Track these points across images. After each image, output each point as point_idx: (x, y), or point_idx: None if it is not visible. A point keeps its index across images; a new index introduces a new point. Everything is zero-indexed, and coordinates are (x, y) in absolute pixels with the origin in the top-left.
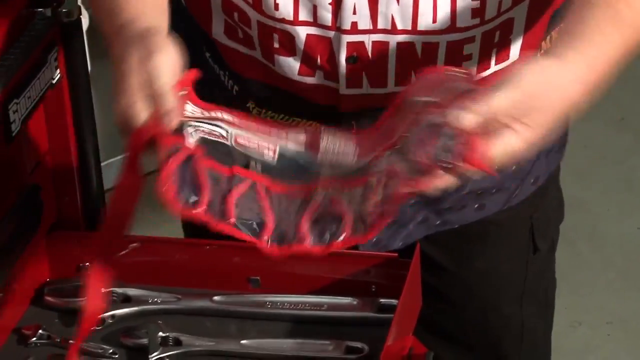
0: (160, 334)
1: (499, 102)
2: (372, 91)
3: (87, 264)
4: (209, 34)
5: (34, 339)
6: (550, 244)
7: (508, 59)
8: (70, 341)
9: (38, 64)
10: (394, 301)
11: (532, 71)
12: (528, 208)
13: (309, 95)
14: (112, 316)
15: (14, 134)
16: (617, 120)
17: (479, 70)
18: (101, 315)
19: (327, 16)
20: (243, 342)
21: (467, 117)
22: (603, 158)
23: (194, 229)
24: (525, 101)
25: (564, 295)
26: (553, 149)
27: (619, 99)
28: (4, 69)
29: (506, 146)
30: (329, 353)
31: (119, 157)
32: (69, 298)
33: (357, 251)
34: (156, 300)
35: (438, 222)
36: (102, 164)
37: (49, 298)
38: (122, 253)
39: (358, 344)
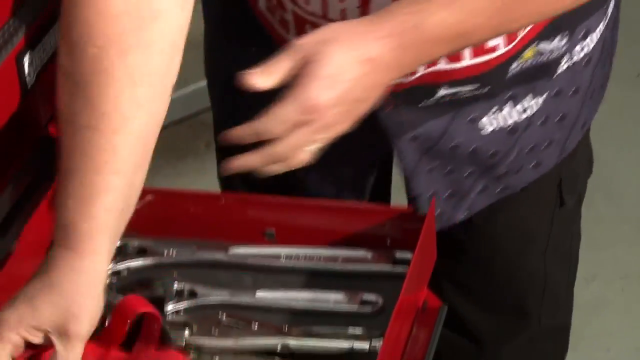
0: (176, 285)
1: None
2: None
3: None
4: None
5: None
6: (577, 199)
7: None
8: None
9: (53, 16)
10: (408, 254)
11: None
12: (557, 166)
13: None
14: (128, 268)
15: (28, 87)
16: (633, 77)
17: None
18: (116, 267)
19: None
20: (258, 294)
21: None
22: (619, 114)
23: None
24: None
25: (580, 248)
26: (596, 90)
27: (635, 56)
28: (19, 22)
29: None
30: (344, 305)
31: None
32: None
33: (372, 204)
34: (171, 253)
35: (499, 189)
36: None
37: None
38: (137, 205)
39: (373, 297)
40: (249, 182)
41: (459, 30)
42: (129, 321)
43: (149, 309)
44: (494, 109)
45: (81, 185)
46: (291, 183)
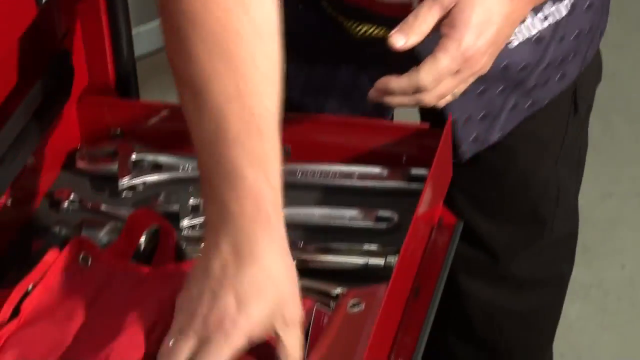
0: (191, 201)
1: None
2: None
3: (119, 130)
4: None
5: (66, 203)
6: (588, 106)
7: None
8: (103, 206)
9: None
10: (424, 171)
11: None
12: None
13: (384, 10)
14: (143, 183)
15: (43, 1)
16: None
17: None
18: (132, 182)
19: None
20: None
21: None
22: (637, 29)
23: None
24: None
25: (596, 166)
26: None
27: None
28: None
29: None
30: (359, 222)
31: (149, 24)
32: (101, 164)
33: (388, 121)
34: (187, 168)
35: (528, 104)
36: (133, 32)
37: (80, 163)
38: (153, 120)
39: (388, 213)
40: None
41: None
42: (141, 234)
43: (161, 221)
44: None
45: (253, 152)
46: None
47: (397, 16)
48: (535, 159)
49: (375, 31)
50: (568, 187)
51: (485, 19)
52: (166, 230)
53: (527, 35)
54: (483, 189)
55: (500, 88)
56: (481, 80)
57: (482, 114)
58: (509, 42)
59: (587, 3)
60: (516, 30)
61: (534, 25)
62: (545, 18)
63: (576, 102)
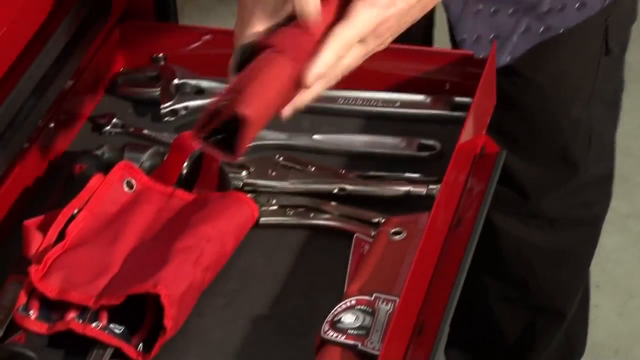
0: None
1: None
2: None
3: (160, 54)
4: None
5: (108, 127)
6: (622, 46)
7: None
8: (145, 131)
9: None
10: (467, 99)
11: None
12: (604, 11)
13: None
14: (186, 107)
15: None
16: None
17: None
18: (174, 106)
19: None
20: (315, 136)
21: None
22: None
23: None
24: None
25: (634, 97)
26: None
27: None
28: None
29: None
30: (401, 150)
31: None
32: (143, 88)
33: (431, 48)
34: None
35: (542, 30)
36: None
37: (123, 88)
38: (196, 45)
39: (430, 142)
40: None
41: None
42: (185, 158)
43: None
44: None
45: None
46: None
47: None
48: (565, 99)
49: None
50: (602, 128)
51: None
52: (210, 155)
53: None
54: (514, 126)
55: (512, 10)
56: (493, 0)
57: (492, 35)
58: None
59: None
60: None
61: None
62: None
63: (607, 42)
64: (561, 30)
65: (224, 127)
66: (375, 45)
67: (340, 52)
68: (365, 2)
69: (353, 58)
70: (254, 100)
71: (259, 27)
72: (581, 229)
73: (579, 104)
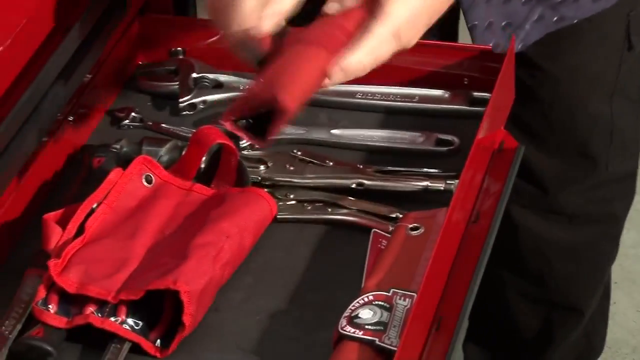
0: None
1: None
2: None
3: (179, 48)
4: None
5: (127, 121)
6: None
7: None
8: (163, 124)
9: None
10: (486, 94)
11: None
12: (626, 5)
13: None
14: (204, 101)
15: None
16: None
17: None
18: (193, 100)
19: None
20: (333, 131)
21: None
22: None
23: None
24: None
25: None
26: None
27: None
28: None
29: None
30: (420, 145)
31: None
32: (162, 82)
33: (450, 43)
34: (247, 87)
35: (555, 19)
36: None
37: (141, 81)
38: (214, 39)
39: (449, 137)
40: None
41: None
42: (205, 152)
43: (226, 139)
44: None
45: None
46: None
47: None
48: (583, 93)
49: None
50: (625, 124)
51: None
52: (229, 149)
53: None
54: (532, 119)
55: None
56: None
57: (504, 22)
58: None
59: None
60: None
61: None
62: None
63: (630, 38)
64: (575, 21)
65: (255, 114)
66: (408, 40)
67: (374, 49)
68: None
69: (384, 53)
70: (293, 87)
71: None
72: (601, 225)
73: (599, 98)
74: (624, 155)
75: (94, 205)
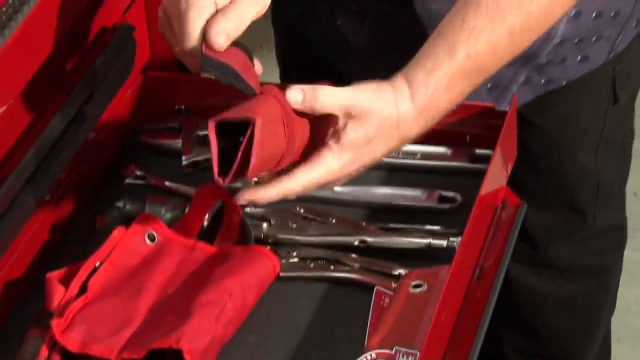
0: (255, 178)
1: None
2: None
3: (183, 106)
4: None
5: (130, 178)
6: (630, 95)
7: None
8: (166, 182)
9: None
10: (488, 151)
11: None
12: (611, 60)
13: None
14: (207, 159)
15: None
16: None
17: None
18: (196, 158)
19: None
20: (336, 188)
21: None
22: None
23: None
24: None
25: None
26: None
27: None
28: None
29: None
30: (422, 202)
31: None
32: (165, 139)
33: None
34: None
35: (543, 81)
36: None
37: (145, 139)
38: (217, 97)
39: (451, 194)
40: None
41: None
42: (207, 210)
43: (227, 197)
44: None
45: None
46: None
47: None
48: (571, 146)
49: None
50: (611, 177)
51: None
52: (231, 207)
53: None
54: (522, 171)
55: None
56: None
57: (489, 84)
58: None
59: None
60: None
61: None
62: None
63: (615, 92)
64: (564, 83)
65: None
66: (334, 184)
67: (290, 192)
68: (334, 153)
69: (297, 193)
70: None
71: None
72: (593, 278)
73: (586, 151)
74: (610, 208)
75: (97, 264)
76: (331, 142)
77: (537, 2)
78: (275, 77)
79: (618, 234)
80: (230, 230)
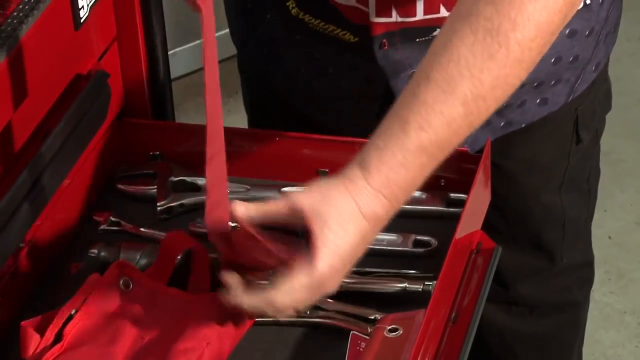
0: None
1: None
2: (402, 20)
3: (157, 152)
4: None
5: (105, 225)
6: (594, 134)
7: None
8: (141, 228)
9: None
10: (463, 195)
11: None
12: (573, 101)
13: (345, 13)
14: (182, 204)
15: (82, 20)
16: None
17: None
18: (171, 204)
19: None
20: None
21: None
22: None
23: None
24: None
25: (630, 193)
26: (610, 31)
27: None
28: None
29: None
30: (398, 246)
31: (186, 46)
32: (140, 186)
33: None
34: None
35: (502, 124)
36: (169, 53)
37: (119, 186)
38: (191, 143)
39: (426, 238)
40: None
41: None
42: (176, 256)
43: (194, 244)
44: None
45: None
46: (299, 117)
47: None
48: (536, 185)
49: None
50: (576, 215)
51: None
52: (199, 252)
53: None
54: (488, 213)
55: None
56: None
57: None
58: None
59: (568, 30)
60: None
61: None
62: None
63: (578, 132)
64: (523, 125)
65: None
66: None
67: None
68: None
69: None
70: None
71: None
72: (563, 314)
73: (550, 190)
74: (578, 245)
75: (72, 312)
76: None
77: (487, 70)
78: (244, 123)
79: (587, 269)
80: (202, 275)
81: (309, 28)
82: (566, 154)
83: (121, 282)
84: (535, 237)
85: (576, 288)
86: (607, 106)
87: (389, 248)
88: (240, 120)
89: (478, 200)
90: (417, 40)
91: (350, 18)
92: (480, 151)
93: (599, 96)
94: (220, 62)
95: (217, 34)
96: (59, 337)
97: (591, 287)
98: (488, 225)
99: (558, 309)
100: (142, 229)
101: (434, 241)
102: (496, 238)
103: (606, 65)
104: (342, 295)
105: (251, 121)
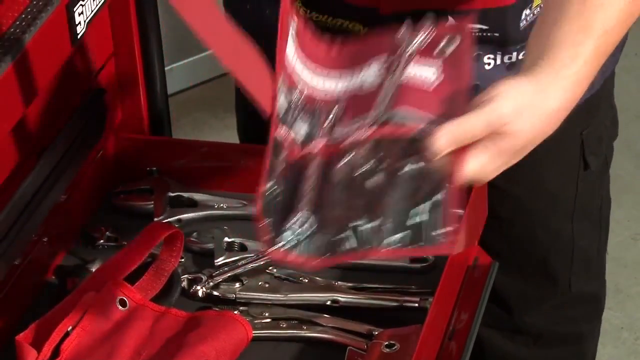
0: (226, 239)
1: (474, 124)
2: None
3: (155, 167)
4: None
5: (102, 241)
6: (603, 161)
7: None
8: None
9: None
10: (459, 211)
11: (508, 97)
12: (578, 124)
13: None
14: (179, 220)
15: (79, 37)
16: None
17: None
18: (168, 219)
19: None
20: None
21: (441, 138)
22: None
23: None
24: (500, 127)
25: (627, 208)
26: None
27: None
28: None
29: (478, 169)
30: (394, 261)
31: (183, 62)
32: (137, 201)
33: None
34: (222, 206)
35: None
36: (166, 69)
37: (116, 201)
38: (189, 158)
39: None
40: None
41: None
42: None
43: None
44: (499, 52)
45: None
46: None
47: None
48: (544, 211)
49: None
50: (587, 245)
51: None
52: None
53: (504, 59)
54: (493, 237)
55: None
56: None
57: None
58: (487, 64)
59: None
60: (494, 54)
61: (510, 51)
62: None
63: (585, 158)
64: None
65: None
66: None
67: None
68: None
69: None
70: None
71: None
72: (568, 346)
73: (559, 217)
74: (587, 276)
75: (69, 328)
76: None
77: None
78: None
79: (595, 304)
80: (157, 277)
81: (318, 26)
82: (574, 181)
83: (117, 300)
84: (542, 265)
85: (583, 321)
86: (613, 133)
87: (386, 263)
88: (237, 136)
89: (475, 217)
90: None
91: (359, 2)
92: None
93: (605, 122)
94: (217, 77)
95: None
96: (56, 353)
97: (600, 320)
98: (492, 251)
99: (563, 340)
100: None
101: (430, 257)
102: (501, 264)
103: (608, 92)
104: (339, 310)
105: (244, 127)
